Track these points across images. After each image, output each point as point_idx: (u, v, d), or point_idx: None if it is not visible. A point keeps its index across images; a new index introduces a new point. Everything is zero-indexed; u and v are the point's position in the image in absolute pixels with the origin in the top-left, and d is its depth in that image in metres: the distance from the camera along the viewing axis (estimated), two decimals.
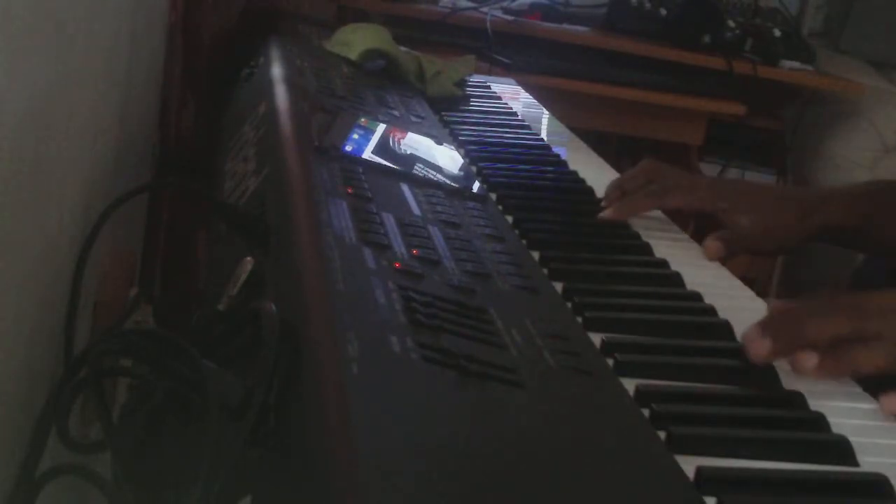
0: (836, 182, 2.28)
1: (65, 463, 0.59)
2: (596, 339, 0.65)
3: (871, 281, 1.21)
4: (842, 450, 0.55)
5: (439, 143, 1.02)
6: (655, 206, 0.99)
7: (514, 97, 1.50)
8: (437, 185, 0.86)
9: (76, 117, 0.70)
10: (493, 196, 0.94)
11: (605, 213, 0.95)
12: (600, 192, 1.02)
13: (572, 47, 2.18)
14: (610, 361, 0.63)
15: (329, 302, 0.55)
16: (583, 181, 1.06)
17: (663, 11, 2.28)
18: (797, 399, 0.61)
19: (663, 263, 0.84)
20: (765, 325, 0.67)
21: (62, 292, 0.69)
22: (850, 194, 1.02)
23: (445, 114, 1.24)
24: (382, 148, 0.91)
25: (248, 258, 0.64)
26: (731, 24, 2.26)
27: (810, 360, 0.65)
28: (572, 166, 1.11)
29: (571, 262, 0.81)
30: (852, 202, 1.00)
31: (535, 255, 0.80)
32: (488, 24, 2.12)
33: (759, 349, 0.65)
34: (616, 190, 0.99)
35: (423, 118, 1.14)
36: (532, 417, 0.51)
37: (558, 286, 0.74)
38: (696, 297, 0.77)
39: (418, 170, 0.89)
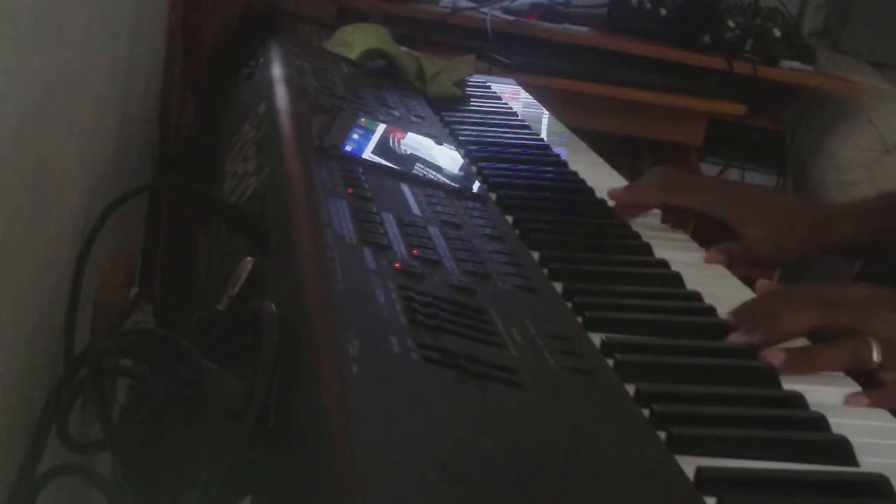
0: (836, 182, 2.28)
1: (65, 463, 0.59)
2: (596, 339, 0.65)
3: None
4: (842, 450, 0.56)
5: (439, 143, 1.02)
6: (662, 199, 0.99)
7: (514, 97, 1.50)
8: (437, 185, 0.86)
9: (76, 117, 0.70)
10: (493, 196, 0.93)
11: (612, 190, 0.97)
12: (600, 192, 1.02)
13: (572, 47, 2.18)
14: (610, 361, 0.63)
15: (329, 302, 0.55)
16: (583, 181, 1.06)
17: (663, 11, 2.28)
18: (797, 399, 0.61)
19: (663, 263, 0.84)
20: (741, 315, 0.71)
21: (62, 292, 0.68)
22: (858, 211, 1.02)
23: (445, 114, 1.24)
24: (382, 148, 0.91)
25: (248, 258, 0.63)
26: (731, 24, 2.26)
27: (777, 357, 0.67)
28: (572, 166, 1.11)
29: (571, 262, 0.81)
30: (860, 219, 1.00)
31: (535, 255, 0.80)
32: (488, 24, 2.12)
33: (735, 340, 0.69)
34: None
35: (423, 118, 1.14)
36: (532, 417, 0.51)
37: (558, 286, 0.74)
38: (696, 297, 0.77)
39: (418, 170, 0.88)
